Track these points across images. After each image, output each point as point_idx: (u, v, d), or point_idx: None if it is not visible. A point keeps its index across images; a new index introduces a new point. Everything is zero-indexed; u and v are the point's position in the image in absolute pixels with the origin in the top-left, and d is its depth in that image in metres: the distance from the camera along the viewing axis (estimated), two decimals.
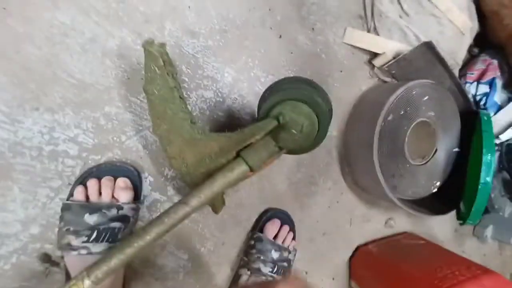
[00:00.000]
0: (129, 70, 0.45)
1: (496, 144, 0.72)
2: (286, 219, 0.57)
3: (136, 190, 0.44)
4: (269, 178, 0.57)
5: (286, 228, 0.56)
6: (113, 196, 0.42)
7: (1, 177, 0.39)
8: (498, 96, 0.67)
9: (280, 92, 0.38)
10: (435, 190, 0.62)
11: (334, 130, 0.61)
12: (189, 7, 0.48)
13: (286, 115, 0.36)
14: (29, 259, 0.40)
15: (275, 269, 0.52)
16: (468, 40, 0.63)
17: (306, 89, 0.38)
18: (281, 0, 0.54)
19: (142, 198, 0.46)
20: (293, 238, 0.58)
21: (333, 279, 0.66)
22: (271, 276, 0.52)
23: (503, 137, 0.66)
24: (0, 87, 0.38)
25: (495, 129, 0.65)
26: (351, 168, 0.63)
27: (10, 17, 0.39)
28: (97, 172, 0.42)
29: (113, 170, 0.43)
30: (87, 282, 0.31)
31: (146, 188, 0.47)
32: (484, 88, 0.67)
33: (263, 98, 0.42)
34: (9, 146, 0.39)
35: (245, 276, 0.52)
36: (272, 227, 0.55)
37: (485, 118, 0.59)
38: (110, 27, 0.43)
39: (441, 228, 0.80)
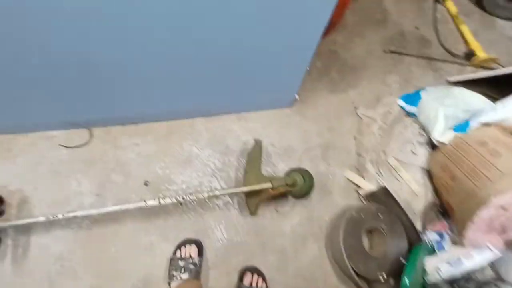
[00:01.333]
0: None
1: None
2: (255, 270, 0.95)
3: (200, 250, 0.95)
4: (282, 225, 1.03)
5: (255, 275, 0.93)
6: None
7: None
8: (446, 244, 1.02)
9: (297, 170, 0.94)
10: (383, 280, 0.94)
11: (326, 216, 1.07)
12: None
13: (296, 177, 0.91)
14: None
15: None
16: (421, 200, 1.07)
17: (307, 173, 0.94)
18: (318, 144, 1.17)
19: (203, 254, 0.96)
20: (264, 280, 0.94)
21: None
22: None
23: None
24: None
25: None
26: (331, 246, 1.03)
27: None
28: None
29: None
30: None
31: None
32: (435, 236, 1.03)
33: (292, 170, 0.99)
34: None
35: None
36: (246, 278, 0.93)
37: (416, 250, 0.95)
38: None
39: None
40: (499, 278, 1.03)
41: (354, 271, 0.94)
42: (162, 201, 0.86)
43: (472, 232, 0.89)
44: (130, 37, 0.74)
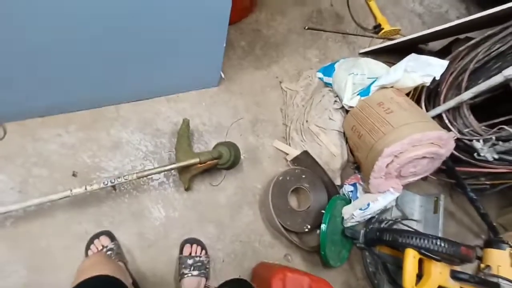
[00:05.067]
0: None
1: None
2: (194, 241, 1.02)
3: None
4: (217, 197, 1.11)
5: (194, 245, 1.01)
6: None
7: None
8: (360, 193, 1.18)
9: (223, 143, 1.01)
10: (307, 230, 1.07)
11: (259, 184, 1.17)
12: None
13: (222, 150, 0.97)
14: None
15: (192, 269, 0.96)
16: (339, 159, 1.22)
17: (232, 145, 1.01)
18: (247, 119, 1.24)
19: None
20: (203, 248, 1.02)
21: (239, 276, 1.04)
22: (191, 274, 0.95)
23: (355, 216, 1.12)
24: None
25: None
26: (264, 209, 1.13)
27: None
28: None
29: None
30: None
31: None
32: (350, 187, 1.20)
33: (218, 144, 1.05)
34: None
35: (182, 279, 0.95)
36: (185, 249, 1.00)
37: (333, 200, 1.10)
38: None
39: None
40: (404, 217, 1.24)
41: (283, 227, 1.06)
42: (88, 188, 0.87)
43: (374, 179, 1.05)
44: (41, 20, 0.71)
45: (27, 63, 0.83)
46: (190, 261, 0.97)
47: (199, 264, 0.97)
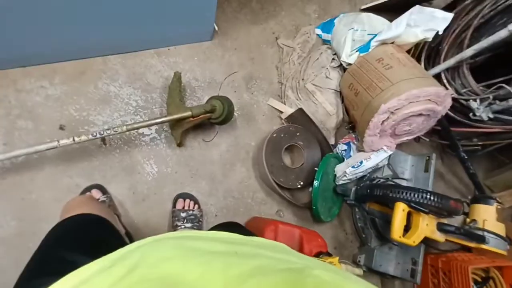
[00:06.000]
0: None
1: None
2: (187, 195, 1.03)
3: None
4: (210, 154, 1.10)
5: (187, 200, 1.02)
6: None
7: None
8: (353, 152, 1.19)
9: (216, 97, 0.98)
10: (300, 186, 1.08)
11: (252, 141, 1.16)
12: None
13: (215, 103, 0.94)
14: None
15: (185, 221, 0.97)
16: (334, 118, 1.21)
17: (225, 99, 0.98)
18: (241, 75, 1.20)
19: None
20: (196, 203, 1.03)
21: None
22: (184, 226, 0.96)
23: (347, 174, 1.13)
24: None
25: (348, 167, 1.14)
26: (258, 166, 1.13)
27: None
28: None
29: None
30: None
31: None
32: (343, 146, 1.19)
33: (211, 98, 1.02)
34: None
35: (175, 230, 0.96)
36: (178, 203, 1.01)
37: (326, 158, 1.10)
38: None
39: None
40: (395, 176, 1.26)
41: (277, 183, 1.07)
42: (76, 139, 0.84)
43: (368, 137, 1.05)
44: None
45: (8, 4, 0.76)
46: (183, 214, 0.98)
47: (192, 217, 0.98)
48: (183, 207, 1.00)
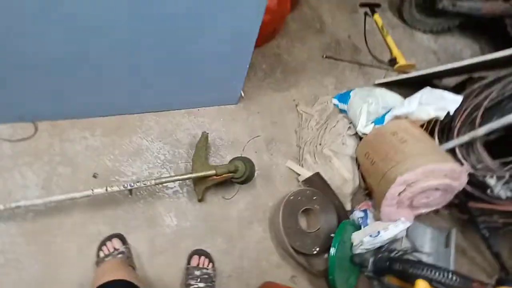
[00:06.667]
0: None
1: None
2: (202, 253, 1.03)
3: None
4: (229, 211, 1.12)
5: (202, 257, 1.01)
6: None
7: None
8: (370, 220, 1.18)
9: (239, 158, 1.04)
10: (315, 252, 1.07)
11: (270, 202, 1.18)
12: None
13: (238, 164, 1.01)
14: None
15: (198, 280, 0.96)
16: (350, 184, 1.24)
17: (248, 161, 1.04)
18: (262, 138, 1.28)
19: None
20: (210, 261, 1.02)
21: None
22: (197, 285, 0.95)
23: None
24: None
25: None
26: (274, 227, 1.14)
27: None
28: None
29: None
30: None
31: None
32: (360, 213, 1.20)
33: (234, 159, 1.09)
34: None
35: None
36: (193, 260, 1.01)
37: (343, 225, 1.10)
38: None
39: None
40: (414, 249, 1.22)
41: (292, 247, 1.06)
42: (109, 189, 0.90)
43: (385, 207, 1.06)
44: (75, 31, 0.79)
45: (66, 68, 0.90)
46: (197, 273, 0.97)
47: (205, 276, 0.97)
48: (198, 265, 0.99)
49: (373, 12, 1.78)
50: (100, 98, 1.08)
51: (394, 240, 1.17)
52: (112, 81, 1.01)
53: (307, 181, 1.22)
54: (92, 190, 0.89)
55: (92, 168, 1.06)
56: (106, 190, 0.90)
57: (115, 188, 0.91)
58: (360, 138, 1.28)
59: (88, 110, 1.11)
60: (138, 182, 0.94)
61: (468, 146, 1.18)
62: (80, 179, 1.04)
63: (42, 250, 0.92)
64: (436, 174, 0.98)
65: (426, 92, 1.13)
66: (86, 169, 1.06)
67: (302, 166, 1.28)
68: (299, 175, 1.26)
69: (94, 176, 1.06)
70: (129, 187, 0.92)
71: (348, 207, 1.24)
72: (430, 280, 0.89)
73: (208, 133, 1.14)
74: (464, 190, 1.10)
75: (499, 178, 1.08)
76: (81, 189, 1.01)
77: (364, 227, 1.16)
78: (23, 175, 1.00)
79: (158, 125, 1.20)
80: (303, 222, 1.19)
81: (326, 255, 1.11)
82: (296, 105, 1.41)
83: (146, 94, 1.13)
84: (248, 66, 1.13)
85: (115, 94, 1.09)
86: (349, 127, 1.31)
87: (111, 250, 0.94)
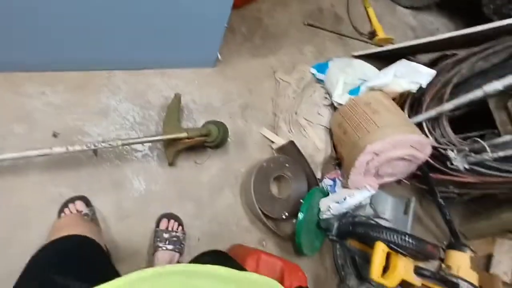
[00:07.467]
0: None
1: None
2: (172, 216, 1.02)
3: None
4: (200, 176, 1.11)
5: (172, 221, 1.00)
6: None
7: None
8: (338, 188, 1.23)
9: (213, 122, 1.01)
10: (284, 217, 1.10)
11: (242, 168, 1.18)
12: None
13: (211, 128, 0.98)
14: None
15: (167, 242, 0.95)
16: (322, 153, 1.26)
17: (222, 124, 1.02)
18: (238, 103, 1.25)
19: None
20: (180, 225, 1.01)
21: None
22: (166, 247, 0.95)
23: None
24: None
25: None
26: (245, 193, 1.15)
27: None
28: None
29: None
30: None
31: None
32: (329, 182, 1.24)
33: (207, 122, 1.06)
34: None
35: (156, 252, 0.95)
36: (162, 223, 0.99)
37: (312, 192, 1.13)
38: None
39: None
40: (376, 215, 1.29)
41: (262, 212, 1.08)
42: (70, 148, 0.85)
43: (353, 175, 1.10)
44: None
45: (24, 12, 0.80)
46: (166, 235, 0.97)
47: (174, 239, 0.97)
48: (167, 228, 0.99)
49: None
50: (63, 49, 0.98)
51: (358, 207, 1.23)
52: (77, 30, 0.91)
53: (281, 149, 1.22)
54: (51, 148, 0.83)
55: (53, 127, 0.98)
56: (67, 149, 0.84)
57: (77, 147, 0.85)
58: (335, 109, 1.29)
59: (49, 63, 1.01)
60: (103, 142, 0.89)
61: (435, 121, 1.23)
62: (38, 138, 0.96)
63: None
64: (403, 144, 1.02)
65: (401, 65, 1.14)
66: (45, 128, 0.97)
67: (277, 134, 1.27)
68: (273, 142, 1.26)
69: (54, 136, 0.98)
70: (93, 147, 0.87)
71: (318, 175, 1.27)
72: (388, 242, 0.95)
73: (181, 94, 1.09)
74: (426, 161, 1.16)
75: (459, 151, 1.15)
76: (39, 148, 0.95)
77: (332, 194, 1.21)
78: None
79: (127, 85, 1.12)
80: (274, 188, 1.21)
81: (294, 220, 1.15)
82: (274, 72, 1.38)
83: (116, 49, 1.04)
84: (225, 27, 1.07)
85: (80, 46, 0.98)
86: (325, 98, 1.31)
87: (74, 212, 0.90)
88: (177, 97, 1.06)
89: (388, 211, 1.28)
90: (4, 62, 0.95)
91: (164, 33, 1.03)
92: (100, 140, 1.03)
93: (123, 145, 0.90)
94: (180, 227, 1.02)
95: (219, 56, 1.24)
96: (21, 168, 0.91)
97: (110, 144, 0.89)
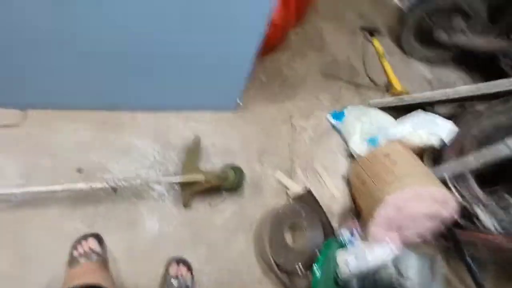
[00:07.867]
0: None
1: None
2: (181, 260, 0.96)
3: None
4: (214, 219, 1.09)
5: (181, 266, 0.95)
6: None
7: None
8: (356, 240, 1.16)
9: (230, 166, 1.02)
10: (297, 268, 1.04)
11: (257, 214, 1.16)
12: None
13: (228, 172, 0.99)
14: None
15: None
16: (340, 203, 1.22)
17: (239, 169, 1.02)
18: (255, 147, 1.27)
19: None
20: (189, 270, 0.96)
21: None
22: None
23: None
24: None
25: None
26: (258, 241, 1.11)
27: None
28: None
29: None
30: None
31: None
32: (347, 233, 1.18)
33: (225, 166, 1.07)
34: None
35: None
36: (172, 268, 0.94)
37: (329, 243, 1.08)
38: None
39: None
40: (400, 274, 1.20)
41: (275, 263, 1.03)
42: (92, 185, 0.87)
43: (373, 227, 1.05)
44: (74, 23, 0.78)
45: (61, 57, 0.89)
46: (175, 282, 0.92)
47: (183, 286, 0.93)
48: (176, 275, 0.95)
49: (372, 36, 1.83)
50: (92, 90, 1.06)
51: (378, 264, 1.15)
52: (109, 75, 1.00)
53: (297, 197, 1.20)
54: (75, 184, 0.86)
55: (78, 163, 1.03)
56: (90, 186, 0.86)
57: (98, 185, 0.88)
58: (352, 157, 1.29)
59: (80, 103, 1.09)
60: (124, 180, 0.91)
61: (458, 174, 1.19)
62: (63, 172, 1.00)
63: (12, 242, 0.87)
64: (425, 198, 0.98)
65: (419, 116, 1.15)
66: (71, 163, 1.02)
67: (293, 179, 1.26)
68: (288, 188, 1.24)
69: (79, 171, 1.02)
70: (112, 184, 0.89)
71: (335, 225, 1.22)
72: None
73: (200, 136, 1.12)
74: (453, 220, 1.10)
75: (485, 207, 1.08)
76: (63, 183, 0.98)
77: (350, 247, 1.14)
78: (3, 162, 0.95)
79: (150, 125, 1.18)
80: (288, 237, 1.16)
81: (309, 276, 1.08)
82: (291, 117, 1.41)
83: (140, 91, 1.12)
84: (247, 75, 1.14)
85: (108, 88, 1.07)
86: (343, 146, 1.32)
87: (86, 249, 0.89)
88: (197, 139, 1.09)
89: (413, 270, 1.18)
90: (40, 100, 1.03)
91: (190, 80, 1.11)
92: (120, 178, 1.05)
93: (142, 183, 0.92)
94: (190, 273, 0.98)
95: (240, 102, 1.30)
96: (43, 202, 0.94)
97: (130, 183, 0.91)
